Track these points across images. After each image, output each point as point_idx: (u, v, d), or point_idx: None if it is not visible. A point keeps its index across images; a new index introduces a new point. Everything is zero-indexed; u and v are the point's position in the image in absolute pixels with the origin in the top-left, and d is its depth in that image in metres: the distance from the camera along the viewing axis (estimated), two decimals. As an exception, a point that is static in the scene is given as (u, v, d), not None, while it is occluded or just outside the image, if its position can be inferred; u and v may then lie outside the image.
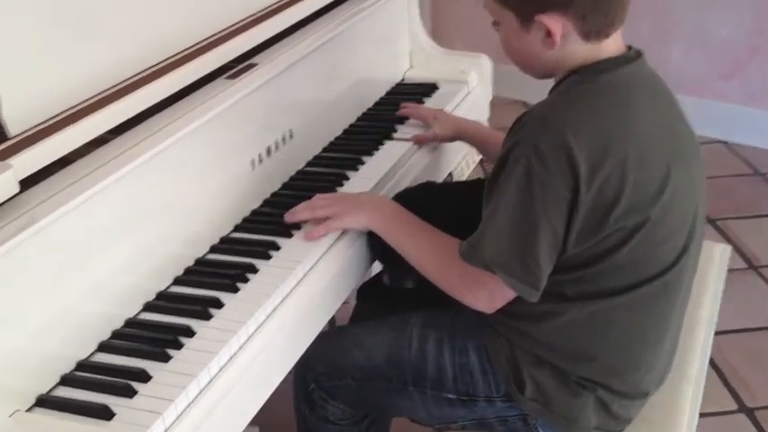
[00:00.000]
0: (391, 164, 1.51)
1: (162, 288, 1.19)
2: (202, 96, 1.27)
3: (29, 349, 0.99)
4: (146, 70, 1.22)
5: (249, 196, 1.37)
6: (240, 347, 1.08)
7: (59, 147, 1.06)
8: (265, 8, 1.47)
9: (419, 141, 1.58)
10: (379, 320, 1.34)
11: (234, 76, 1.34)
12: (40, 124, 1.06)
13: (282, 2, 1.50)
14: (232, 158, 1.32)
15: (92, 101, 1.13)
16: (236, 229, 1.32)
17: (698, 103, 2.84)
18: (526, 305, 1.13)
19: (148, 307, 1.15)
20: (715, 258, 1.58)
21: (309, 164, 1.51)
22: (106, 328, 1.10)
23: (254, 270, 1.21)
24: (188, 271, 1.22)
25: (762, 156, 2.96)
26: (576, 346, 1.16)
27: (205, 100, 1.26)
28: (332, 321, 1.41)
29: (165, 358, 1.04)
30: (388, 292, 1.39)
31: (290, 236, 1.29)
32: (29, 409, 0.98)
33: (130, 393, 0.99)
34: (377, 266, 1.49)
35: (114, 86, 1.17)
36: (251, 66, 1.38)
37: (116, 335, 1.10)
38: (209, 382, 1.03)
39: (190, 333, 1.09)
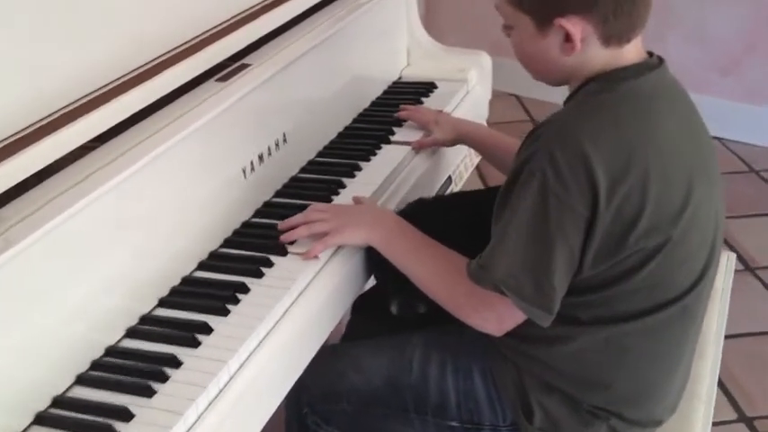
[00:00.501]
0: (390, 170, 1.43)
1: (145, 311, 1.10)
2: (191, 101, 1.19)
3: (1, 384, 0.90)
4: (127, 74, 1.13)
5: (240, 207, 1.28)
6: (231, 378, 1.00)
7: (33, 161, 0.97)
8: (255, 5, 1.38)
9: (419, 147, 1.50)
10: (377, 341, 1.27)
11: (225, 78, 1.25)
12: (10, 137, 0.97)
13: (274, -2, 1.41)
14: (223, 166, 1.23)
15: (68, 109, 1.04)
16: (226, 243, 1.24)
17: (694, 99, 2.78)
18: (536, 328, 1.05)
19: (131, 333, 1.07)
20: (720, 267, 1.51)
21: (303, 170, 1.43)
22: (84, 357, 1.01)
23: (245, 290, 1.13)
24: (174, 291, 1.14)
25: (757, 153, 2.91)
26: (588, 373, 1.09)
27: (195, 105, 1.17)
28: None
29: (149, 393, 0.96)
30: (386, 307, 1.31)
31: (284, 252, 1.20)
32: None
33: (113, 434, 0.91)
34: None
35: (93, 92, 1.08)
36: (243, 66, 1.29)
37: (95, 365, 1.01)
38: (198, 419, 0.94)
39: (176, 363, 1.00)
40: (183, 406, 0.93)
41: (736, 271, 2.28)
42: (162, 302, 1.12)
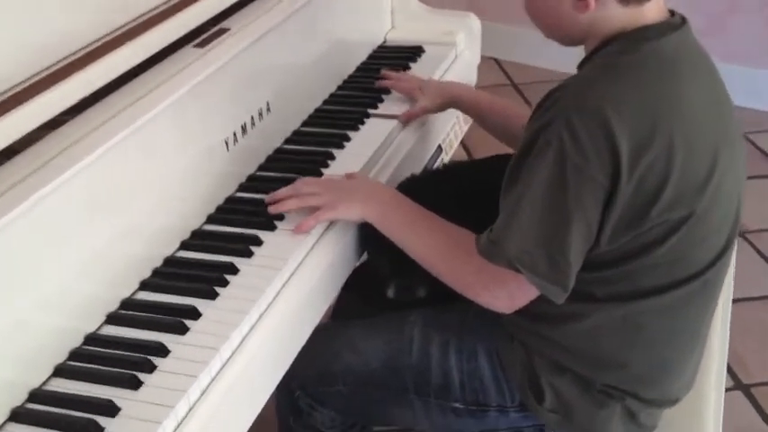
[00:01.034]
0: (381, 139, 1.36)
1: (126, 295, 1.02)
2: (168, 69, 1.10)
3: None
4: (99, 39, 1.04)
5: (223, 181, 1.21)
6: (223, 366, 0.93)
7: (1, 135, 0.88)
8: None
9: (407, 119, 1.42)
10: (372, 320, 1.20)
11: (203, 44, 1.17)
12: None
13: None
14: (204, 138, 1.15)
15: (37, 78, 0.95)
16: (210, 220, 1.16)
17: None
18: (548, 306, 0.99)
19: (112, 318, 0.99)
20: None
21: (288, 141, 1.35)
22: (62, 346, 0.93)
23: (234, 271, 1.05)
24: (156, 273, 1.06)
25: (741, 114, 2.86)
26: (602, 352, 1.04)
27: (173, 73, 1.09)
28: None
29: (135, 385, 0.89)
30: (381, 288, 1.24)
31: (272, 228, 1.13)
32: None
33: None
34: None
35: (63, 59, 0.99)
36: (222, 31, 1.20)
37: (74, 355, 0.94)
38: (189, 412, 0.87)
39: (163, 352, 0.93)
40: (174, 398, 0.86)
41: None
42: (144, 285, 1.04)
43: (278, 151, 1.33)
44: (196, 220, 1.15)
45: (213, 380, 0.91)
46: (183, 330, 0.96)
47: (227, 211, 1.18)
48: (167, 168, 1.08)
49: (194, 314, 0.98)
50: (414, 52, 1.65)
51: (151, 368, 0.91)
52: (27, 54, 0.97)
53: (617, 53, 0.96)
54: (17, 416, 0.86)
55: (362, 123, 1.40)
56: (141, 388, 0.89)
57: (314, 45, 1.44)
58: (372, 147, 1.33)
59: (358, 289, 1.31)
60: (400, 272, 1.18)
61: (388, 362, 1.14)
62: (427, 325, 1.14)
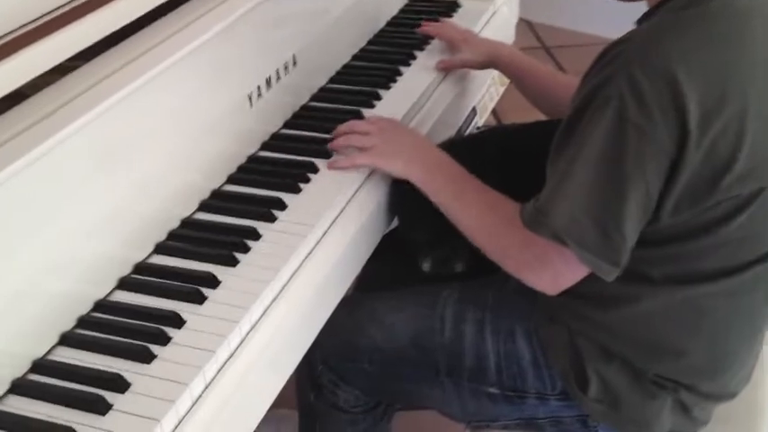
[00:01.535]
0: (414, 98, 1.27)
1: (141, 258, 0.94)
2: (187, 16, 1.01)
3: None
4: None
5: (246, 139, 1.12)
6: (242, 341, 0.85)
7: (6, 79, 0.80)
8: None
9: (446, 67, 1.33)
10: (400, 293, 1.12)
11: (226, -11, 1.07)
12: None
13: None
14: (226, 92, 1.06)
15: (46, 19, 0.86)
16: (230, 180, 1.08)
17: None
18: (597, 285, 0.91)
19: (123, 284, 0.91)
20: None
21: (315, 98, 1.27)
22: (69, 312, 0.86)
23: (256, 236, 0.97)
24: (173, 235, 0.98)
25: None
26: (657, 339, 0.95)
27: (191, 20, 1.00)
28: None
29: (148, 358, 0.81)
30: (414, 259, 1.15)
31: (297, 190, 1.05)
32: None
33: (104, 409, 0.76)
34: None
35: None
36: (245, -24, 1.11)
37: (82, 322, 0.86)
38: (205, 390, 0.80)
39: (178, 323, 0.85)
40: (189, 374, 0.79)
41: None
42: (159, 248, 0.96)
43: (304, 108, 1.24)
44: (216, 181, 1.07)
45: (231, 355, 0.83)
46: (200, 299, 0.88)
47: (249, 170, 1.10)
48: (187, 123, 1.00)
49: (212, 282, 0.90)
50: (449, 6, 1.56)
51: (165, 340, 0.83)
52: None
53: (682, 7, 0.86)
54: (18, 387, 0.79)
55: (394, 81, 1.31)
56: (154, 362, 0.81)
57: (344, -5, 1.34)
58: (404, 107, 1.24)
59: (386, 259, 1.22)
60: (439, 243, 1.09)
61: (417, 339, 1.06)
62: (461, 301, 1.05)
